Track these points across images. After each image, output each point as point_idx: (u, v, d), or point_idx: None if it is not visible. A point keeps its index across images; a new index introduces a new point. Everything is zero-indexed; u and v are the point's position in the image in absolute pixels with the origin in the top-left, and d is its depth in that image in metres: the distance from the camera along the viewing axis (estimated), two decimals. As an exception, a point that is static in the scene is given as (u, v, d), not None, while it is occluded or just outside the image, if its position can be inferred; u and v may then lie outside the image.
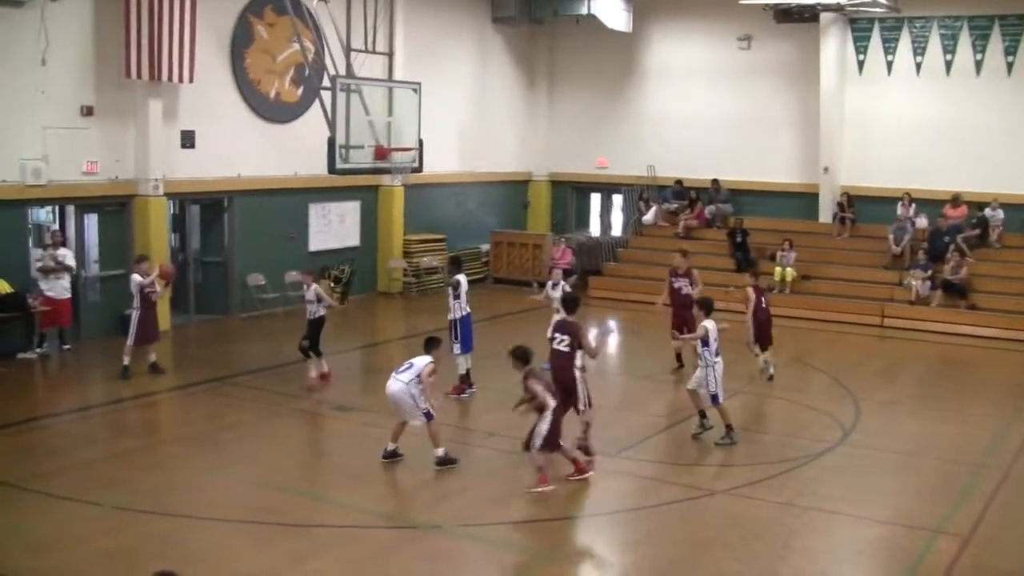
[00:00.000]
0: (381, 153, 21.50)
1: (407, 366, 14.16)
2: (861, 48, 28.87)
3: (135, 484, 13.08)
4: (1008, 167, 26.88)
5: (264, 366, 19.69)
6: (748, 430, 16.10)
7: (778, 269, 26.98)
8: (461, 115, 30.65)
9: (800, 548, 11.76)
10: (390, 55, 23.98)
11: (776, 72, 29.99)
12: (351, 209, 27.49)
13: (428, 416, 13.98)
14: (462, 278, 17.91)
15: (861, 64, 28.94)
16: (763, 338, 19.28)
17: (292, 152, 24.89)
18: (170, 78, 21.57)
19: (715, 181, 30.51)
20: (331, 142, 20.53)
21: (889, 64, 28.58)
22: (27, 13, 19.76)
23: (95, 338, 21.35)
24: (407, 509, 12.51)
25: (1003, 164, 26.94)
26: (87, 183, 21.26)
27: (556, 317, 20.42)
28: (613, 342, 23.95)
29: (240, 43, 23.99)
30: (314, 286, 18.50)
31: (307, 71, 24.11)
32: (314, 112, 23.11)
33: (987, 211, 26.71)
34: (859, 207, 28.63)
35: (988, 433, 16.51)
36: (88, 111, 21.07)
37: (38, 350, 19.92)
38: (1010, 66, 27.01)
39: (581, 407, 14.26)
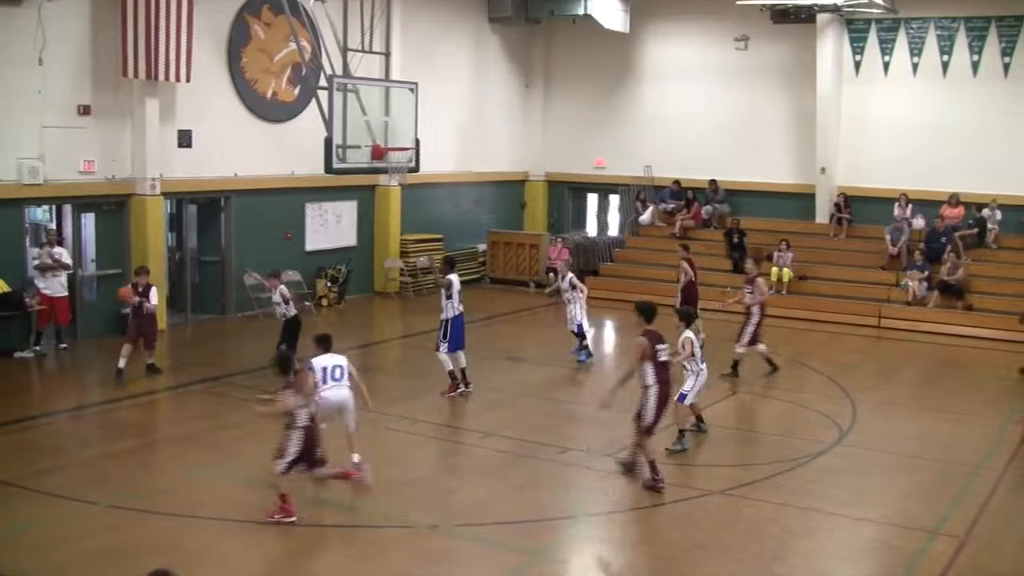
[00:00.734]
0: (378, 153, 21.51)
1: (339, 372, 13.53)
2: (858, 49, 28.90)
3: (132, 483, 13.08)
4: (1004, 168, 26.92)
5: (261, 365, 19.60)
6: (745, 431, 16.13)
7: (775, 269, 26.99)
8: (458, 115, 30.65)
9: (797, 549, 11.76)
10: (387, 55, 23.96)
11: (773, 73, 30.02)
12: (348, 209, 27.49)
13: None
14: (454, 278, 17.87)
15: (858, 65, 28.97)
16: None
17: (289, 152, 24.88)
18: (167, 77, 21.56)
19: (712, 181, 30.52)
20: (328, 142, 20.53)
21: (886, 65, 28.62)
22: (24, 12, 19.75)
23: (92, 337, 21.34)
24: (404, 509, 12.49)
25: (999, 165, 26.98)
26: (84, 182, 21.25)
27: (570, 308, 20.65)
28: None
29: (237, 43, 23.99)
30: (280, 287, 18.34)
31: (304, 71, 24.11)
32: (311, 112, 23.11)
33: (985, 212, 26.74)
34: (856, 208, 28.67)
35: (985, 434, 16.52)
36: (85, 110, 21.07)
37: (35, 349, 19.90)
38: (1007, 67, 27.05)
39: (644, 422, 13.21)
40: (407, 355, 22.02)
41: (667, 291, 27.39)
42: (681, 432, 14.85)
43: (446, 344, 17.68)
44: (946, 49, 27.76)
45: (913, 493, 13.79)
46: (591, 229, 34.18)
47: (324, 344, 13.71)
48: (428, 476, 14.15)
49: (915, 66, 28.21)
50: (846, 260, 27.84)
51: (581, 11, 30.01)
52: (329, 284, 26.30)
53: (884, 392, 18.91)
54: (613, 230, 33.42)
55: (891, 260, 27.09)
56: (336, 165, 20.88)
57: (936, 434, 16.56)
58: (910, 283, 25.61)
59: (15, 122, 19.95)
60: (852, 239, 28.45)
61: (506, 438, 15.45)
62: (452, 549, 11.64)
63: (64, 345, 20.55)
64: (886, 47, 28.57)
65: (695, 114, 31.18)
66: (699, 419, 15.57)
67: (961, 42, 27.58)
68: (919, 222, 27.45)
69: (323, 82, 21.34)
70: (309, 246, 26.36)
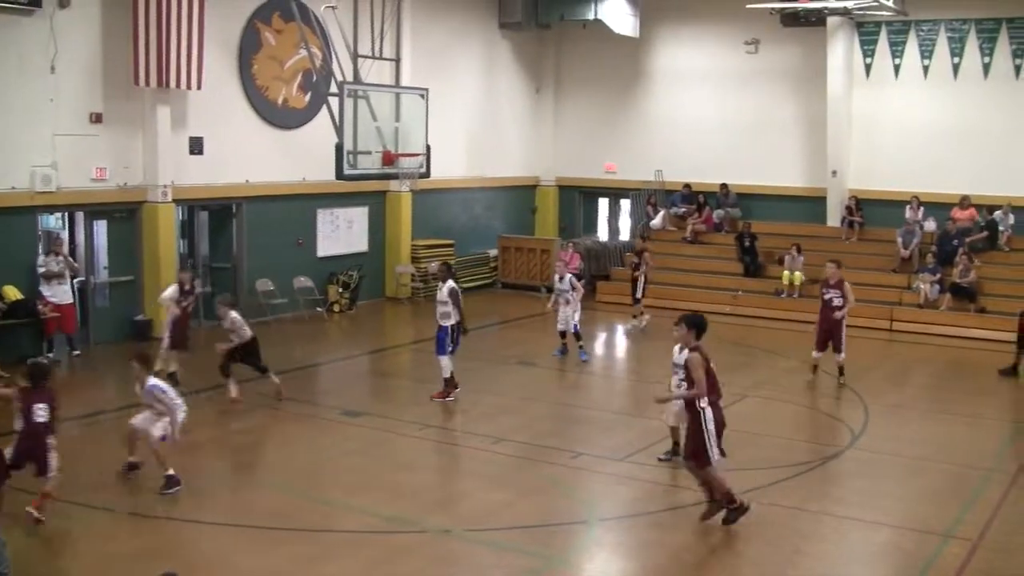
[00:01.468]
0: (389, 159, 21.55)
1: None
2: (868, 52, 28.88)
3: (145, 489, 13.10)
4: (1016, 170, 26.88)
5: (273, 371, 19.68)
6: (757, 434, 16.09)
7: (786, 273, 26.99)
8: (468, 120, 30.69)
9: (810, 552, 11.75)
10: (397, 61, 24.04)
11: (783, 76, 30.01)
12: (359, 215, 27.54)
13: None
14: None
15: (868, 68, 28.94)
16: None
17: (300, 158, 24.95)
18: (178, 85, 21.65)
19: (724, 185, 30.50)
20: (339, 148, 20.58)
21: (896, 67, 28.59)
22: (37, 21, 19.85)
23: (104, 343, 21.41)
24: (416, 513, 12.51)
25: (1011, 167, 26.94)
26: (96, 190, 21.33)
27: (565, 309, 20.68)
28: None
29: (248, 50, 24.06)
30: (231, 314, 17.44)
31: (315, 77, 24.17)
32: (322, 118, 23.16)
33: (997, 215, 26.68)
34: (867, 210, 28.63)
35: (997, 437, 16.50)
36: (97, 118, 21.15)
37: (48, 356, 19.96)
38: (1018, 69, 27.01)
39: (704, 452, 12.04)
40: (419, 360, 22.02)
41: (679, 295, 27.51)
42: (676, 443, 14.15)
43: (452, 347, 17.70)
44: (957, 51, 27.73)
45: (926, 496, 13.77)
46: (602, 234, 34.19)
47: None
48: (440, 481, 14.18)
49: (926, 68, 28.18)
50: (858, 263, 27.73)
51: (591, 16, 30.07)
52: (341, 290, 26.34)
53: (896, 395, 18.89)
54: (624, 234, 33.41)
55: (903, 263, 27.05)
56: (347, 171, 20.93)
57: (949, 437, 16.53)
58: (922, 286, 25.56)
59: (28, 130, 20.03)
60: (863, 242, 28.41)
61: (518, 443, 15.45)
62: (465, 554, 11.66)
63: (77, 352, 20.63)
64: (896, 50, 28.54)
65: (706, 118, 31.17)
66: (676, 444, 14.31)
67: (972, 44, 27.55)
68: (930, 225, 27.41)
69: (334, 88, 21.38)
70: (321, 252, 26.41)
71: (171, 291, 18.63)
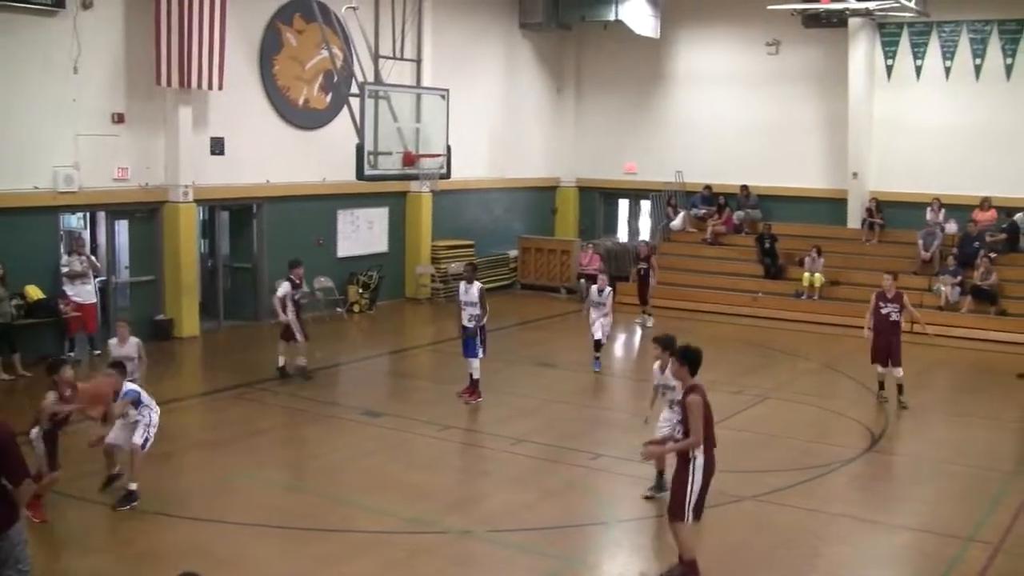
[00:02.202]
0: (409, 159, 21.56)
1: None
2: (890, 53, 28.78)
3: (166, 488, 13.16)
4: (1039, 172, 26.78)
5: (292, 372, 19.77)
6: (776, 436, 16.07)
7: (806, 275, 26.95)
8: (489, 121, 30.71)
9: (829, 555, 11.73)
10: (418, 62, 24.08)
11: (804, 77, 29.94)
12: (379, 215, 27.60)
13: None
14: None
15: (890, 69, 28.84)
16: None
17: (321, 158, 25.02)
18: (200, 85, 21.74)
19: (744, 187, 30.46)
20: (359, 148, 20.61)
21: (918, 69, 28.48)
22: (60, 22, 19.96)
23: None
24: (436, 514, 12.53)
25: (1034, 168, 26.83)
26: (118, 190, 21.42)
27: (594, 318, 20.33)
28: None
29: (269, 50, 24.14)
30: (132, 340, 15.42)
31: (336, 78, 24.23)
32: (342, 119, 23.21)
33: (1019, 216, 26.56)
34: (888, 212, 28.54)
35: (1019, 440, 16.44)
36: (119, 118, 21.25)
37: (69, 355, 20.05)
38: (1041, 70, 26.92)
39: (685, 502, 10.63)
40: (438, 361, 22.07)
41: (699, 297, 27.50)
42: (661, 473, 13.05)
43: (482, 350, 17.77)
44: (979, 52, 27.62)
45: (947, 499, 13.72)
46: (622, 235, 34.18)
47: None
48: (460, 481, 14.19)
49: (947, 70, 28.07)
50: (878, 265, 27.48)
51: (612, 17, 30.06)
52: (361, 290, 26.41)
53: (917, 397, 18.79)
54: (644, 236, 33.39)
55: (923, 265, 26.94)
56: (368, 172, 20.95)
57: (969, 440, 16.45)
58: (943, 288, 25.47)
59: (50, 130, 20.14)
60: (884, 244, 28.31)
61: (538, 444, 15.46)
62: (485, 554, 11.69)
63: (98, 351, 20.69)
64: (918, 51, 28.44)
65: (726, 119, 31.13)
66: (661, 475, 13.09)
67: (994, 45, 27.43)
68: (951, 227, 27.31)
69: (355, 89, 21.42)
70: (341, 252, 26.49)
71: (284, 288, 19.28)
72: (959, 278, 25.58)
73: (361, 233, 27.13)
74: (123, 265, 22.46)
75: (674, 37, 31.67)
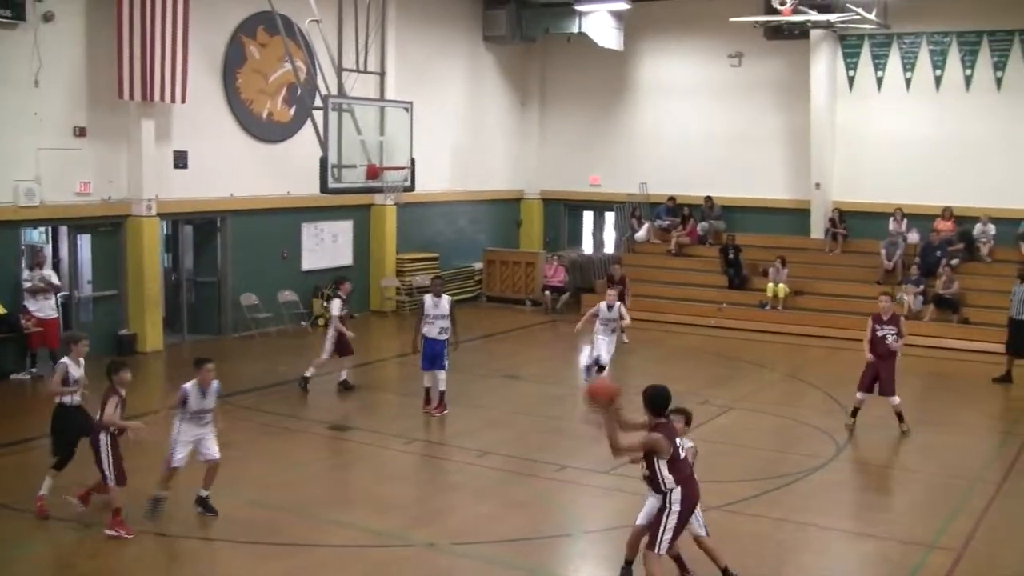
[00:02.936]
0: (373, 172, 21.53)
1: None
2: (851, 64, 29.02)
3: (129, 505, 13.04)
4: (999, 181, 27.01)
5: (258, 385, 19.69)
6: (742, 446, 16.12)
7: (771, 285, 27.08)
8: (453, 133, 30.73)
9: (795, 564, 11.77)
10: (382, 74, 24.03)
11: (767, 89, 30.13)
12: (344, 228, 27.54)
13: (167, 463, 12.53)
14: None
15: (851, 80, 29.08)
16: None
17: (284, 172, 24.95)
18: (163, 98, 21.65)
19: (708, 198, 30.58)
20: (323, 161, 20.57)
21: (879, 80, 28.73)
22: (21, 35, 19.83)
23: (87, 359, 21.24)
24: (403, 527, 12.50)
25: (994, 178, 27.07)
26: (80, 204, 21.28)
27: (604, 339, 19.40)
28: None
29: (232, 63, 24.07)
30: (63, 362, 13.40)
31: (299, 91, 24.18)
32: (306, 132, 23.15)
33: (978, 226, 26.80)
34: (851, 222, 28.74)
35: (981, 447, 16.56)
36: (81, 132, 21.12)
37: (31, 371, 19.91)
38: (999, 81, 27.17)
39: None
40: (404, 374, 22.01)
41: (664, 308, 27.59)
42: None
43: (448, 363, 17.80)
44: (939, 64, 27.89)
45: (911, 507, 13.82)
46: (587, 247, 34.24)
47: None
48: (427, 494, 14.16)
49: (908, 81, 28.33)
50: (842, 275, 27.87)
51: (575, 29, 30.17)
52: (325, 304, 26.27)
53: (881, 406, 18.89)
54: (609, 247, 33.46)
55: (886, 274, 27.12)
56: (332, 185, 20.92)
57: (933, 448, 16.56)
58: (905, 297, 25.63)
59: (11, 144, 20.00)
60: (847, 254, 28.51)
61: (504, 456, 15.46)
62: (451, 567, 11.66)
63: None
64: (879, 62, 28.68)
65: (690, 131, 31.27)
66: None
67: (954, 57, 27.71)
68: (914, 236, 27.54)
69: (318, 102, 21.38)
70: (305, 266, 26.40)
71: (337, 306, 19.57)
72: (921, 287, 25.76)
73: (326, 246, 27.06)
74: (86, 280, 22.28)
75: (638, 49, 31.80)
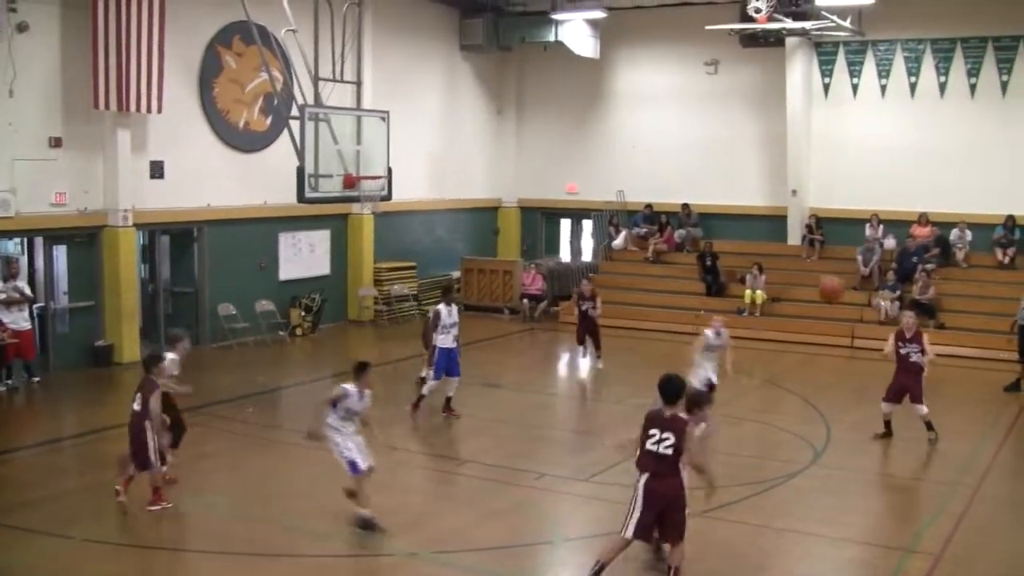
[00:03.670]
0: (350, 181, 21.53)
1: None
2: (827, 71, 29.16)
3: (108, 516, 12.98)
4: (974, 186, 27.18)
5: (236, 396, 19.61)
6: (720, 452, 16.12)
7: (748, 292, 27.14)
8: (430, 142, 30.71)
9: (774, 569, 11.80)
10: (358, 84, 24.02)
11: (743, 96, 30.24)
12: (321, 238, 27.47)
13: (352, 468, 12.60)
14: None
15: (827, 87, 29.22)
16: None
17: (261, 182, 24.88)
18: (139, 109, 21.54)
19: (685, 205, 30.64)
20: (300, 171, 20.55)
21: (855, 87, 28.89)
22: (-6, 45, 19.74)
23: (64, 370, 21.22)
24: (383, 537, 12.45)
25: (969, 183, 27.23)
26: (56, 214, 21.16)
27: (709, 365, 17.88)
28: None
29: (209, 73, 24.00)
30: (172, 358, 14.40)
31: (276, 100, 24.13)
32: (283, 141, 23.13)
33: (954, 232, 26.96)
34: (827, 229, 28.85)
35: (959, 451, 16.61)
36: (56, 142, 21.00)
37: (7, 383, 19.77)
38: (973, 87, 27.35)
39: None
40: (383, 383, 21.96)
41: (641, 315, 27.63)
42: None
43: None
44: (913, 71, 28.06)
45: (889, 511, 13.89)
46: (565, 254, 34.26)
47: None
48: (406, 503, 14.11)
49: (883, 88, 28.49)
50: (818, 281, 27.95)
51: (552, 38, 30.19)
52: (303, 313, 26.25)
53: (858, 412, 18.97)
54: (587, 255, 33.48)
55: (863, 280, 27.25)
56: (309, 194, 20.89)
57: (911, 453, 16.62)
58: (882, 303, 25.75)
59: (-15, 155, 19.90)
60: (824, 260, 28.59)
61: (484, 464, 15.45)
62: (431, 576, 11.64)
63: (36, 379, 20.37)
64: (854, 69, 28.84)
65: (667, 138, 31.34)
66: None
67: (928, 64, 27.89)
68: (890, 242, 27.68)
69: (295, 112, 21.36)
70: (283, 275, 26.31)
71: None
72: (898, 293, 25.88)
73: (303, 256, 26.98)
74: (62, 291, 22.15)
75: (614, 58, 31.87)
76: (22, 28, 20.10)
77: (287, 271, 26.45)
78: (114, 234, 22.03)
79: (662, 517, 10.61)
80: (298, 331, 26.05)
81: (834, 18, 25.54)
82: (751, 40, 28.29)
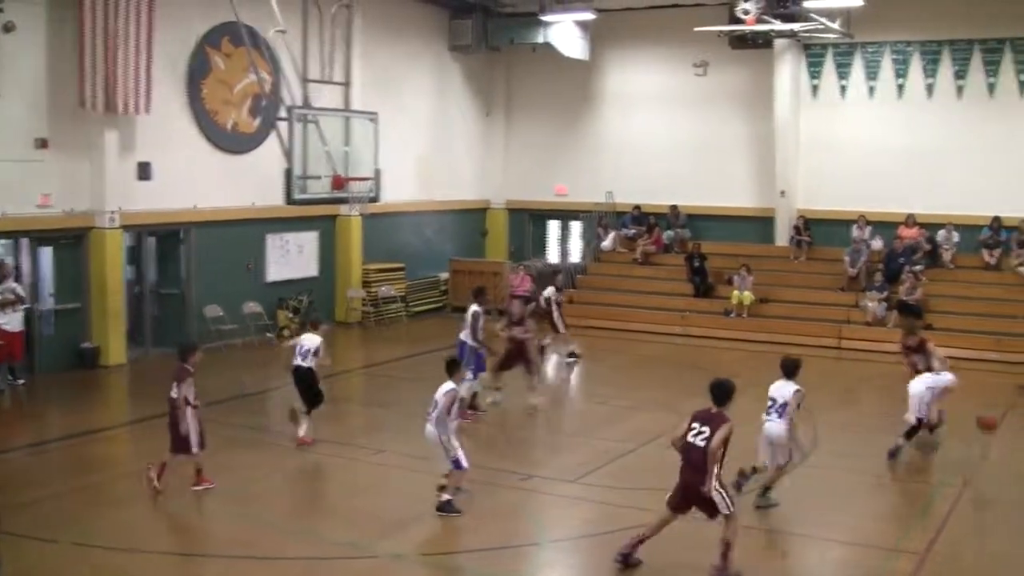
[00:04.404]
0: (338, 183, 21.50)
1: (432, 403, 13.47)
2: (815, 73, 29.22)
3: (94, 520, 12.95)
4: (961, 188, 27.26)
5: (223, 398, 19.54)
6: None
7: (736, 293, 27.17)
8: (419, 144, 30.69)
9: (762, 570, 11.80)
10: (347, 85, 23.97)
11: (732, 97, 30.28)
12: (309, 239, 27.43)
13: (457, 464, 13.27)
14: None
15: (815, 89, 29.29)
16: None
17: (249, 183, 24.83)
18: (126, 110, 21.47)
19: (673, 207, 30.68)
20: (288, 172, 20.52)
21: (843, 88, 28.97)
22: (-21, 46, 19.68)
23: (49, 372, 21.13)
24: (370, 538, 12.44)
25: (956, 185, 27.32)
26: (42, 216, 21.10)
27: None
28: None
29: (197, 74, 23.94)
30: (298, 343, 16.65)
31: (264, 101, 24.11)
32: (271, 143, 23.11)
33: (941, 233, 27.04)
34: (815, 230, 28.91)
35: (944, 451, 16.63)
36: (43, 143, 20.91)
37: (-5, 383, 19.72)
38: (960, 89, 27.45)
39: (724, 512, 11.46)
40: (370, 384, 21.98)
41: (629, 316, 27.64)
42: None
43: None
44: (901, 73, 28.14)
45: (875, 512, 13.89)
46: (553, 256, 34.25)
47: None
48: (393, 505, 14.09)
49: (871, 89, 28.57)
50: (806, 282, 28.04)
51: (541, 39, 30.22)
52: (291, 315, 26.19)
53: (845, 413, 19.01)
54: (575, 256, 33.49)
55: (850, 281, 27.30)
56: (297, 196, 20.87)
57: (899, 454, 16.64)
58: (869, 304, 25.80)
59: (-29, 156, 19.84)
60: (812, 261, 28.67)
61: (470, 466, 15.41)
62: (417, 578, 11.63)
63: (21, 381, 20.27)
64: (843, 71, 28.91)
65: (656, 140, 31.38)
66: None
67: (916, 66, 27.98)
68: (877, 243, 27.75)
69: (283, 113, 21.34)
70: (270, 277, 26.27)
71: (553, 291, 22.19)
72: (885, 294, 25.93)
73: (291, 257, 26.94)
74: (48, 293, 22.08)
75: (603, 59, 31.89)
76: (8, 28, 20.02)
77: (274, 273, 26.40)
78: (101, 236, 21.96)
79: (688, 499, 11.53)
80: (285, 332, 25.94)
81: (823, 20, 25.58)
82: (740, 42, 28.36)
